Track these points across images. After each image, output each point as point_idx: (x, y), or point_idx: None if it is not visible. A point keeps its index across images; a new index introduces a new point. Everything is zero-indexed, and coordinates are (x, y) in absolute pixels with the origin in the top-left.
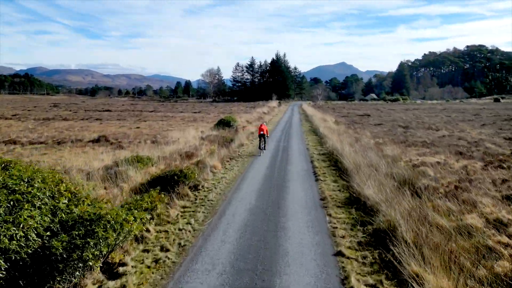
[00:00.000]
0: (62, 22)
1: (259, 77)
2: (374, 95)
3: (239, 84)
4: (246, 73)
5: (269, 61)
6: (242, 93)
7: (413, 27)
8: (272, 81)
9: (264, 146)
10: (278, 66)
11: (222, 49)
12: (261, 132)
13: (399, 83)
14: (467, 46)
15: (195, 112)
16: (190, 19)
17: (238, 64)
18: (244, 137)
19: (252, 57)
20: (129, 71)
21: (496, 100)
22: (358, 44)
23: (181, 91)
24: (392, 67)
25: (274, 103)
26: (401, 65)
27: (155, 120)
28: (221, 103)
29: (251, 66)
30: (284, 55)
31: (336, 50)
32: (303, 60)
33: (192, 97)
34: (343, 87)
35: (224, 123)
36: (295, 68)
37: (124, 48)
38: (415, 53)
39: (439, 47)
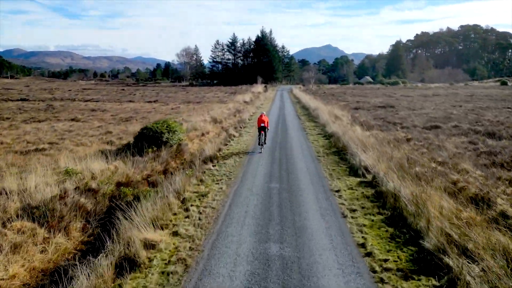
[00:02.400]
0: (38, 0)
1: (242, 57)
2: (369, 78)
3: (221, 65)
4: (227, 53)
5: (253, 39)
6: (223, 76)
7: (398, 8)
8: (257, 62)
9: (265, 140)
10: (263, 45)
11: (205, 30)
12: (262, 124)
13: (393, 65)
14: (461, 26)
15: (150, 102)
16: None
17: (218, 42)
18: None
19: (234, 34)
20: (111, 53)
21: (504, 83)
22: (343, 26)
23: (160, 73)
24: (378, 49)
25: (259, 87)
26: (396, 45)
27: (60, 119)
28: (198, 87)
29: (232, 44)
30: (271, 32)
31: (321, 32)
32: (288, 42)
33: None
34: (333, 70)
35: (149, 139)
36: (283, 47)
37: (104, 28)
38: (400, 36)
39: (425, 29)
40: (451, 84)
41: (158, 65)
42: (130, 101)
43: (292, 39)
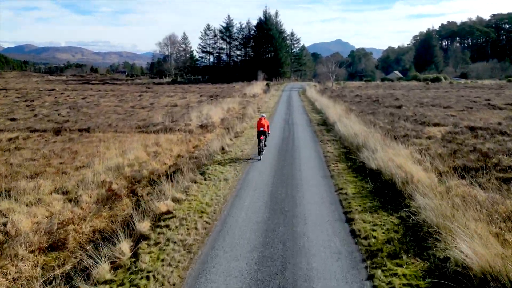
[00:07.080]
0: None
1: (239, 46)
2: (398, 73)
3: (212, 56)
4: (221, 40)
5: (253, 23)
6: (215, 70)
7: (411, 3)
8: (259, 52)
9: (264, 143)
10: (267, 30)
11: (215, 26)
12: (261, 129)
13: (424, 58)
14: (493, 15)
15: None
16: None
17: (208, 27)
18: None
19: (229, 16)
20: (121, 49)
21: None
22: (354, 21)
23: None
24: (389, 44)
25: (258, 86)
26: (428, 34)
27: None
28: (180, 84)
29: (227, 29)
30: (276, 14)
31: (332, 27)
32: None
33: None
34: (349, 65)
35: None
36: (292, 35)
37: (115, 25)
38: (412, 31)
39: (437, 24)
40: (509, 80)
41: (159, 59)
42: None
43: (302, 34)
